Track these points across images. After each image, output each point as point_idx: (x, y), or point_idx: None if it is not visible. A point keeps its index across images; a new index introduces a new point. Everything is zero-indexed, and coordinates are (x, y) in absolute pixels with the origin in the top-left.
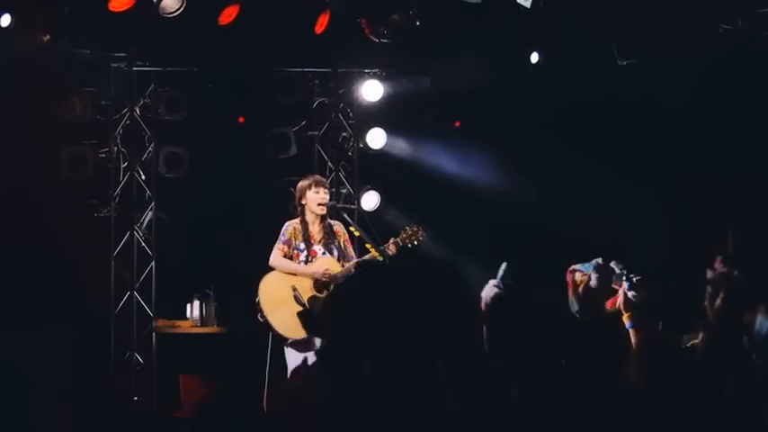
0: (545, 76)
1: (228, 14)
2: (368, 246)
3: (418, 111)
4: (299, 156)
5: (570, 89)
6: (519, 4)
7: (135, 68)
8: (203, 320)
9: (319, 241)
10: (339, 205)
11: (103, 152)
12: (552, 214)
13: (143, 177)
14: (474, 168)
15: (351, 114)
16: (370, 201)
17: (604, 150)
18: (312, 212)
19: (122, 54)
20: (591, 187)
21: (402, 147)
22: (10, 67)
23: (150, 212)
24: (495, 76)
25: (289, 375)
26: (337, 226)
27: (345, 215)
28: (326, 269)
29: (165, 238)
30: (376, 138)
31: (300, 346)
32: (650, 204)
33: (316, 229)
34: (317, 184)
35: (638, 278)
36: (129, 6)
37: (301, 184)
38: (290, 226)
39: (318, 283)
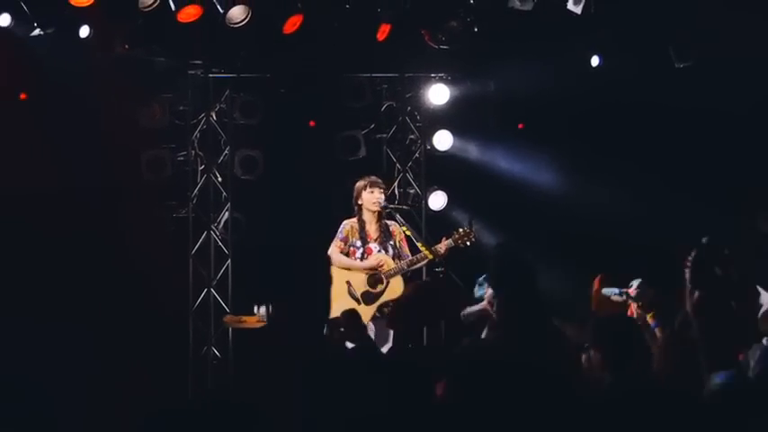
0: (605, 79)
1: (293, 23)
2: (419, 245)
3: (483, 113)
4: (368, 157)
5: (630, 92)
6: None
7: (210, 75)
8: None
9: (375, 239)
10: (391, 206)
11: (181, 155)
12: (611, 217)
13: (219, 179)
14: (536, 169)
15: (418, 117)
16: (437, 200)
17: (664, 153)
18: (368, 211)
19: (198, 62)
20: (651, 190)
21: (467, 148)
22: (91, 75)
23: (226, 213)
24: (558, 79)
25: None
26: (393, 226)
27: (398, 215)
28: (380, 263)
29: (240, 237)
30: (442, 140)
31: None
32: (709, 210)
33: (372, 228)
34: (372, 184)
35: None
36: (196, 18)
37: (358, 184)
38: (348, 224)
39: (372, 279)
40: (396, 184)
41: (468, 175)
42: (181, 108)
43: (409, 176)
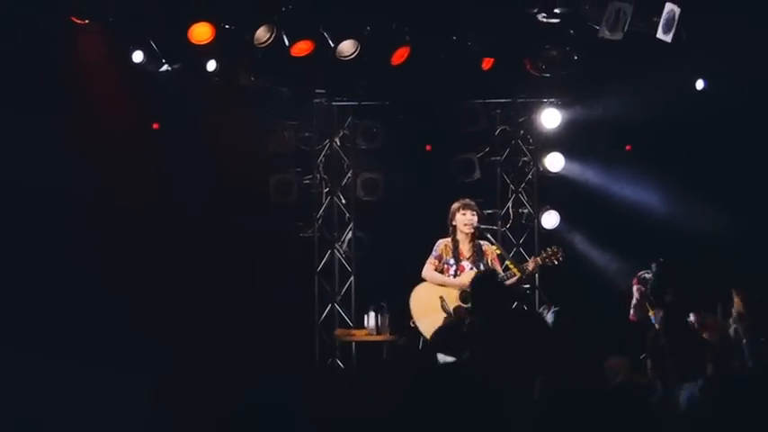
0: (710, 103)
1: (400, 55)
2: (508, 263)
3: (592, 136)
4: (483, 179)
5: (736, 115)
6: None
7: (334, 104)
8: (378, 329)
9: (468, 258)
10: (483, 227)
11: (307, 179)
12: (717, 240)
13: (343, 201)
14: (645, 190)
15: (530, 140)
16: (550, 220)
17: None
18: (461, 232)
19: (322, 91)
20: (758, 212)
21: (578, 169)
22: (220, 105)
23: (350, 232)
24: (664, 102)
25: None
26: (486, 246)
27: (489, 235)
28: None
29: (363, 255)
30: (554, 161)
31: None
32: None
33: (465, 248)
34: (465, 207)
35: None
36: (308, 52)
37: (453, 206)
38: (442, 243)
39: (464, 294)
40: (509, 204)
41: (579, 195)
42: (306, 134)
43: (522, 197)
